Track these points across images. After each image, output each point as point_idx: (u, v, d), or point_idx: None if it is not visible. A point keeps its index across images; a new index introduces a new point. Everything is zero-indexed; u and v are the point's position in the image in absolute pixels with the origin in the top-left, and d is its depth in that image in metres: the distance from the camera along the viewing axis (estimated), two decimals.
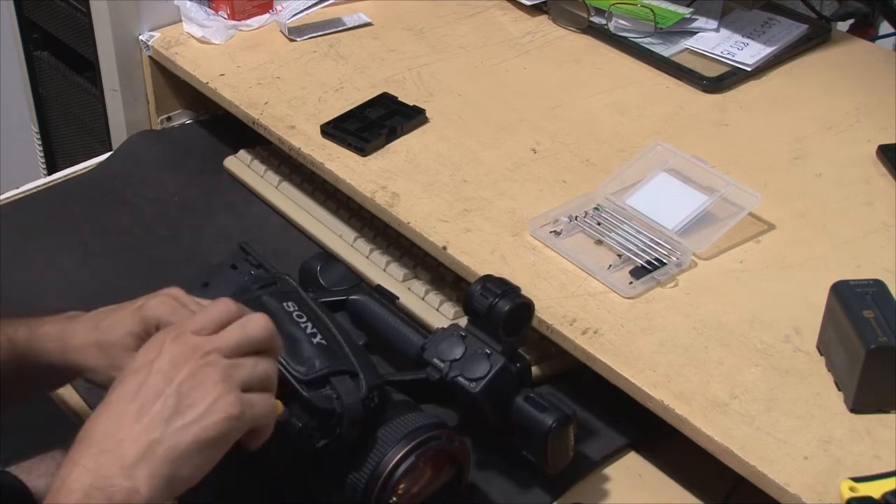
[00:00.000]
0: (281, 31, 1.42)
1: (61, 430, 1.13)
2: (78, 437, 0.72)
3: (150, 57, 1.40)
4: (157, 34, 1.40)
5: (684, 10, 1.41)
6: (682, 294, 1.02)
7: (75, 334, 0.88)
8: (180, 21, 1.42)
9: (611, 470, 0.98)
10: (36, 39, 1.57)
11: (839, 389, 0.91)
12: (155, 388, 0.73)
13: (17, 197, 1.32)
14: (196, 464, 0.72)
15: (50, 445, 1.28)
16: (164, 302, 0.85)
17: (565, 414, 0.89)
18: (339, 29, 1.43)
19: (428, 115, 1.25)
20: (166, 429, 0.71)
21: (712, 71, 1.33)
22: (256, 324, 0.77)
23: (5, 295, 1.15)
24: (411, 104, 1.26)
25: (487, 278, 0.92)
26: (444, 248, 1.07)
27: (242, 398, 0.74)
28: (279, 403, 0.81)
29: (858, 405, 0.89)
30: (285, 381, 0.83)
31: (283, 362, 0.84)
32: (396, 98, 1.27)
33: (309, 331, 0.87)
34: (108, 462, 0.70)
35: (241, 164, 1.34)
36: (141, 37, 1.40)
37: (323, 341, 0.86)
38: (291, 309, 0.88)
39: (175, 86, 1.43)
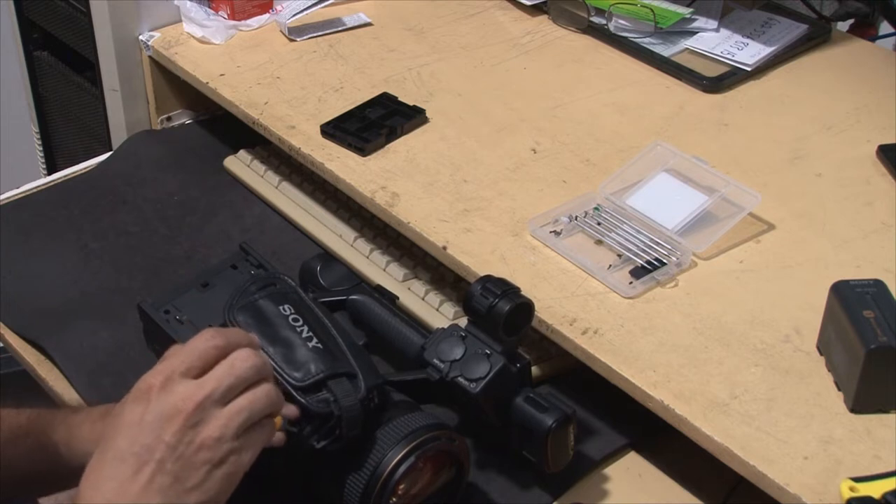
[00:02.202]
0: (281, 31, 1.42)
1: None
2: (79, 493, 0.72)
3: (150, 57, 1.40)
4: (157, 34, 1.40)
5: (684, 10, 1.41)
6: (682, 294, 1.02)
7: None
8: (180, 21, 1.42)
9: (611, 470, 0.98)
10: (36, 39, 1.57)
11: (839, 389, 0.91)
12: (147, 446, 0.72)
13: (17, 197, 1.32)
14: None
15: None
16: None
17: (565, 413, 0.89)
18: (339, 29, 1.43)
19: (428, 115, 1.25)
20: (166, 498, 0.71)
21: (712, 71, 1.33)
22: (244, 361, 0.76)
23: (5, 295, 1.15)
24: (411, 104, 1.26)
25: (487, 278, 0.92)
26: (444, 248, 1.07)
27: (242, 445, 0.74)
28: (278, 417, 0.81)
29: (858, 405, 0.89)
30: (282, 389, 0.83)
31: (279, 369, 0.84)
32: (396, 98, 1.27)
33: (305, 335, 0.87)
34: None
35: (241, 164, 1.34)
36: (141, 37, 1.40)
37: (319, 344, 0.86)
38: (287, 312, 0.88)
39: (175, 86, 1.43)
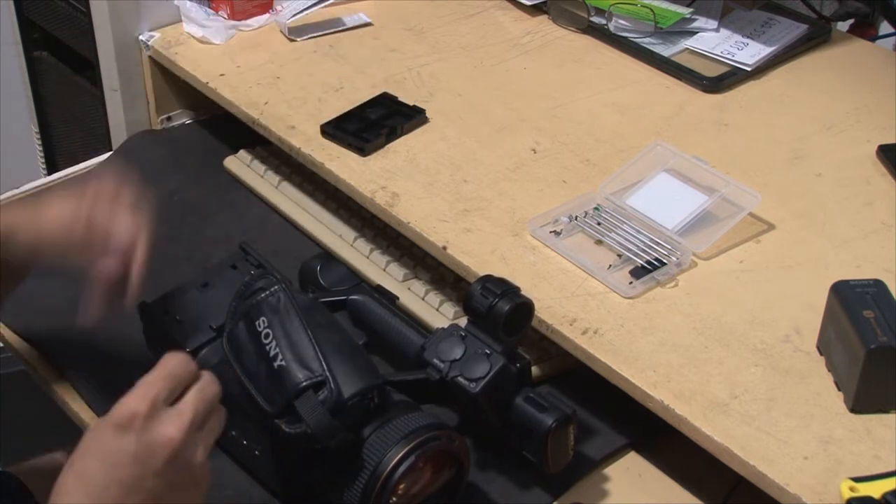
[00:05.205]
0: (281, 31, 1.41)
1: (61, 430, 1.14)
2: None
3: (150, 57, 1.40)
4: (157, 34, 1.40)
5: (684, 10, 1.41)
6: (682, 294, 1.02)
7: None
8: (180, 21, 1.42)
9: (611, 470, 0.98)
10: (36, 39, 1.57)
11: (839, 389, 0.91)
12: (137, 475, 0.73)
13: (17, 197, 1.32)
14: None
15: (50, 445, 1.28)
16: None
17: (565, 413, 0.89)
18: (339, 29, 1.43)
19: (428, 115, 1.25)
20: None
21: (712, 71, 1.33)
22: (211, 386, 0.79)
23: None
24: (411, 104, 1.26)
25: (487, 278, 0.92)
26: (444, 248, 1.07)
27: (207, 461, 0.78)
28: None
29: (858, 405, 0.89)
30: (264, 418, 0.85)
31: (259, 401, 0.85)
32: (396, 98, 1.27)
33: (272, 353, 0.85)
34: None
35: (241, 164, 1.34)
36: (141, 37, 1.40)
37: (282, 362, 0.85)
38: (261, 328, 0.87)
39: (175, 86, 1.43)
